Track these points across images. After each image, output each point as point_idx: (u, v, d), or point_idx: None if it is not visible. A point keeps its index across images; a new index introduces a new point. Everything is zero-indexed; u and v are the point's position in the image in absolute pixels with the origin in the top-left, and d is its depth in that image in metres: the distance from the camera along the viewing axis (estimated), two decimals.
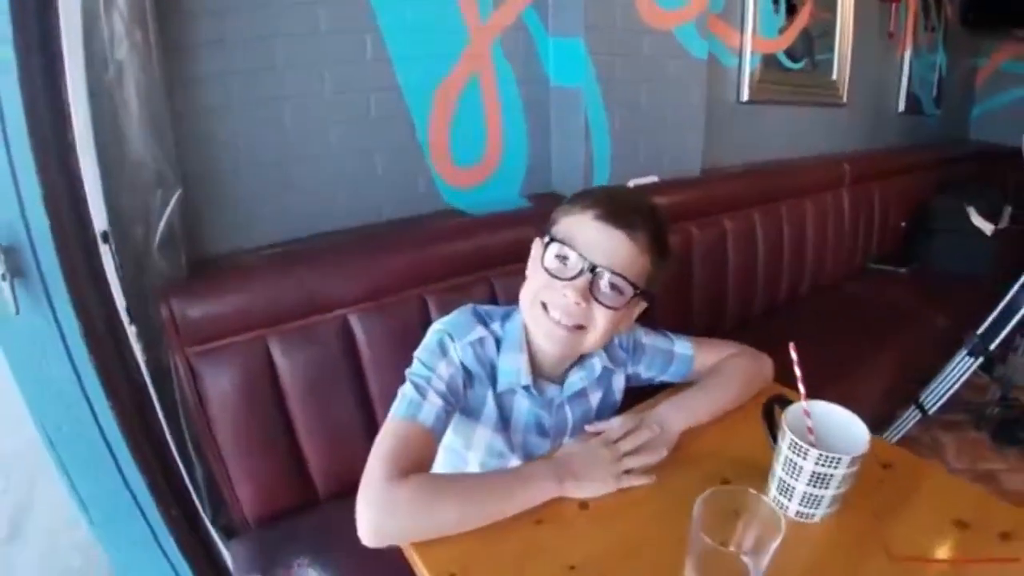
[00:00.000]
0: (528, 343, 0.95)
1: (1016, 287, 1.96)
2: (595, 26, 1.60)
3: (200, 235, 1.24)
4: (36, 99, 0.93)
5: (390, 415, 0.84)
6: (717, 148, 2.21)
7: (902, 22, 3.22)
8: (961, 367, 2.05)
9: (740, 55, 2.29)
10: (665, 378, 1.10)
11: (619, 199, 0.93)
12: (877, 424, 2.04)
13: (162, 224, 1.08)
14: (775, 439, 0.79)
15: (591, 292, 0.86)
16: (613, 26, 1.65)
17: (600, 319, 0.89)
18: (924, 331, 2.29)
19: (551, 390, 1.00)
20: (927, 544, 0.76)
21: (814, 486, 0.72)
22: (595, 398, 1.04)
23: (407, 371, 0.90)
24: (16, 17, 0.89)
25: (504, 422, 0.98)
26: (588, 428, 0.93)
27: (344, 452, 1.22)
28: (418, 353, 0.92)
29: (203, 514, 1.27)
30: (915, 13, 3.30)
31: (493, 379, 0.94)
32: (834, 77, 2.84)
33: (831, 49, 2.78)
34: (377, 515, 0.72)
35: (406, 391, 0.86)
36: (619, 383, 1.07)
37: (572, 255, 0.87)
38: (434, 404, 0.84)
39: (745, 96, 2.34)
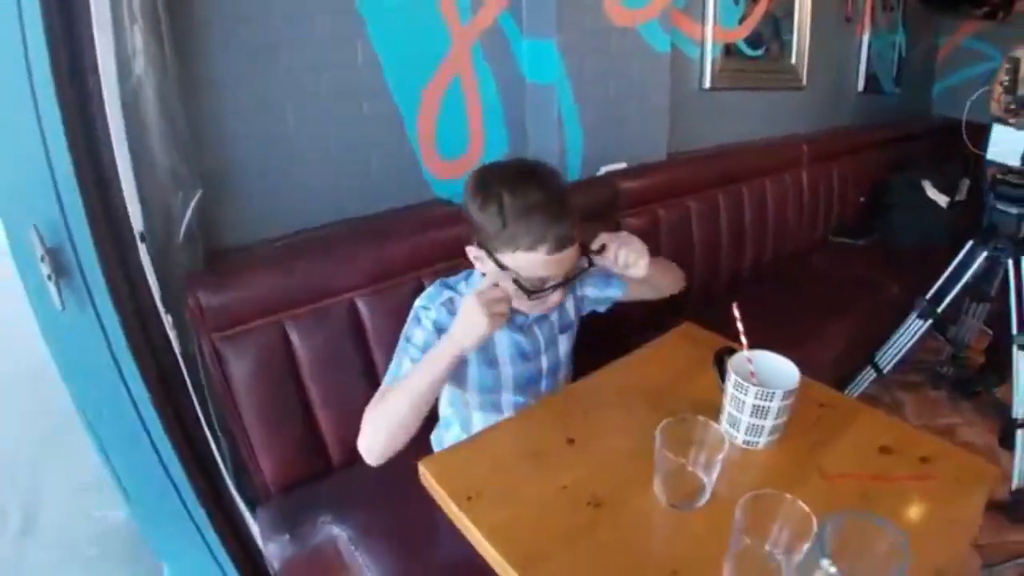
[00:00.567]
0: None
1: (961, 255, 2.13)
2: (565, 28, 1.71)
3: (215, 230, 1.35)
4: (73, 113, 1.03)
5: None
6: (682, 133, 2.32)
7: (860, 5, 3.32)
8: (912, 329, 2.22)
9: (702, 46, 2.40)
10: (607, 293, 1.30)
11: (550, 211, 1.00)
12: (837, 383, 2.19)
13: (184, 222, 1.20)
14: (724, 382, 0.95)
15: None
16: (582, 27, 1.75)
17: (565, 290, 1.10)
18: (879, 298, 2.45)
19: (519, 317, 1.18)
20: (855, 466, 0.90)
21: (755, 417, 0.88)
22: (553, 317, 1.23)
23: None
24: (51, 37, 0.99)
25: (490, 361, 1.18)
26: None
27: (354, 422, 1.30)
28: (403, 330, 1.13)
29: (230, 486, 1.39)
30: None
31: None
32: (793, 61, 2.94)
33: (790, 35, 2.89)
34: (362, 437, 1.03)
35: (391, 365, 1.10)
36: (570, 304, 1.27)
37: (538, 281, 1.03)
38: (409, 364, 1.07)
39: (708, 84, 2.45)
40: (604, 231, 1.12)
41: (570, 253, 1.03)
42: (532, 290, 1.02)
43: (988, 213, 2.05)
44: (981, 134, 2.12)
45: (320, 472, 1.39)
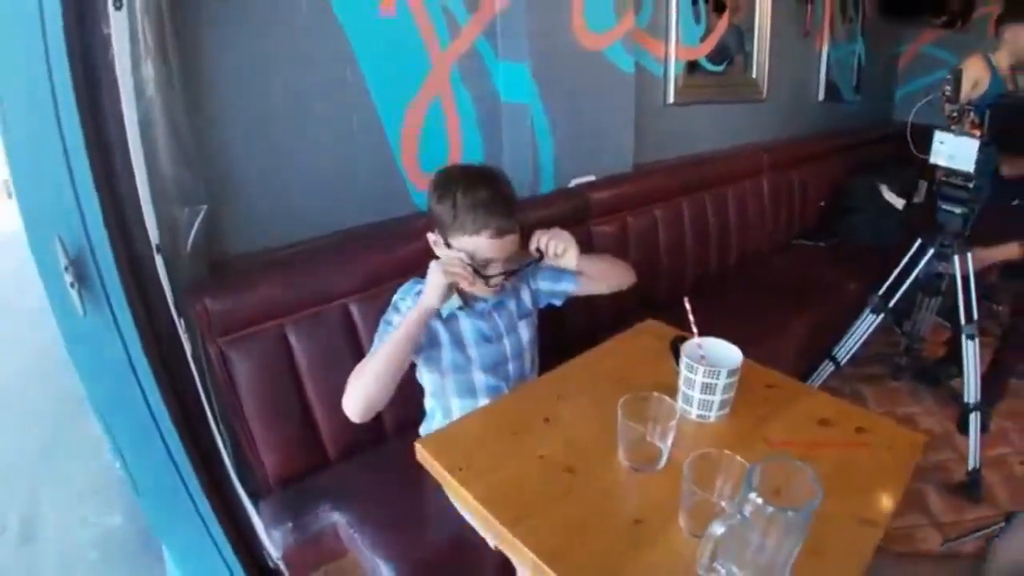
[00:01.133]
0: None
1: (910, 253, 2.28)
2: (536, 52, 1.84)
3: (218, 241, 1.46)
4: (93, 136, 1.14)
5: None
6: (649, 146, 2.47)
7: (818, 20, 3.47)
8: (866, 323, 2.36)
9: (666, 63, 2.55)
10: (561, 286, 1.45)
11: (494, 206, 1.21)
12: (800, 377, 2.33)
13: (191, 235, 1.31)
14: (679, 366, 1.07)
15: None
16: (552, 51, 1.89)
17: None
18: (837, 296, 2.59)
19: (480, 304, 1.36)
20: (796, 435, 1.04)
21: (705, 393, 1.02)
22: (512, 306, 1.41)
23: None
24: (75, 73, 1.10)
25: (459, 344, 1.34)
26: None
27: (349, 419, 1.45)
28: (383, 316, 1.31)
29: (233, 479, 1.49)
30: (831, 10, 3.54)
31: (438, 312, 1.29)
32: (754, 75, 3.11)
33: (751, 50, 3.05)
34: (346, 397, 1.19)
35: (373, 343, 1.28)
36: (526, 295, 1.45)
37: (483, 262, 1.24)
38: None
39: (672, 99, 2.60)
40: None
41: (509, 241, 1.23)
42: (476, 268, 1.21)
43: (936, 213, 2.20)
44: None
45: (318, 466, 1.50)
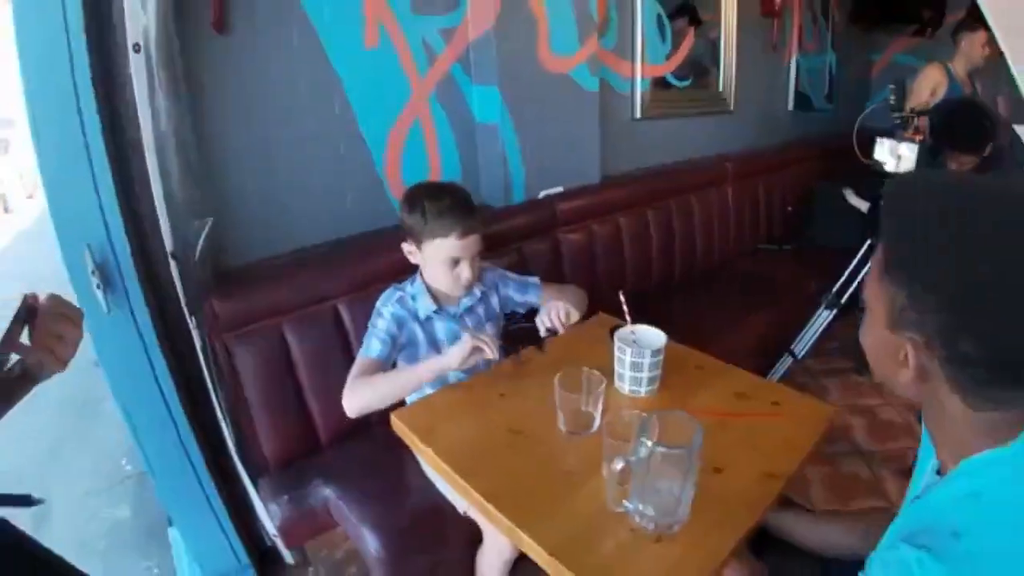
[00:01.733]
0: (428, 288, 1.52)
1: (861, 252, 2.47)
2: (506, 76, 2.02)
3: (223, 250, 1.65)
4: (119, 159, 1.35)
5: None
6: (617, 159, 2.63)
7: (786, 34, 3.62)
8: (821, 318, 2.56)
9: (632, 81, 2.70)
10: (526, 299, 1.67)
11: (458, 211, 1.42)
12: (759, 370, 2.48)
13: (200, 244, 1.50)
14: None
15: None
16: (520, 75, 2.06)
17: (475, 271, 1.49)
18: (797, 295, 2.74)
19: (451, 308, 1.55)
20: (715, 406, 1.21)
21: (634, 371, 1.20)
22: (480, 311, 1.60)
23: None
24: (100, 103, 1.30)
25: (435, 343, 1.53)
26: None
27: (339, 407, 1.44)
28: (370, 320, 1.50)
29: (235, 460, 1.66)
30: (799, 22, 3.67)
31: (416, 316, 1.50)
32: (721, 89, 3.26)
33: (717, 65, 3.21)
34: (348, 397, 1.35)
35: (363, 345, 1.46)
36: (494, 301, 1.64)
37: (454, 260, 1.44)
38: (376, 343, 1.44)
39: (638, 115, 2.75)
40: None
41: (474, 240, 1.44)
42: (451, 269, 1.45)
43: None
44: None
45: (311, 449, 1.67)
